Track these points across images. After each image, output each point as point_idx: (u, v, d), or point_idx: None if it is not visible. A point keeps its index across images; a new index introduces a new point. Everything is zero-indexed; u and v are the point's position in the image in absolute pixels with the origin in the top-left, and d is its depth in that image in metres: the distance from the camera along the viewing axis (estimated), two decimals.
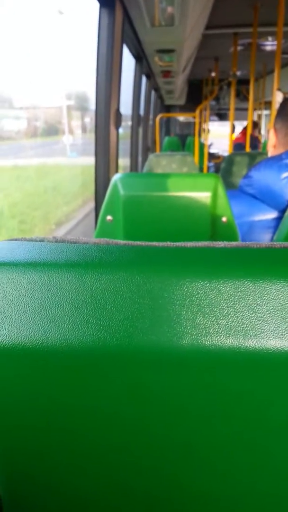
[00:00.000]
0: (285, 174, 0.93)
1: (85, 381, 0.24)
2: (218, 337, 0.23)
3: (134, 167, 3.19)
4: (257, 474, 0.25)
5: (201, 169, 4.33)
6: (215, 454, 0.25)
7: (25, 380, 0.25)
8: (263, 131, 5.97)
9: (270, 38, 3.35)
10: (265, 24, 2.78)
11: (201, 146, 4.73)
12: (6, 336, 0.24)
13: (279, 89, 2.07)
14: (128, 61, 2.69)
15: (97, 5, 1.51)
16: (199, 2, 1.74)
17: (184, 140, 6.21)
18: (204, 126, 5.54)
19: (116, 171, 1.66)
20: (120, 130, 1.69)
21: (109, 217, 0.91)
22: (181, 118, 8.12)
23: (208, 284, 0.24)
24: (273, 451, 0.24)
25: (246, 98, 5.49)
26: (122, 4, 1.57)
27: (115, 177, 0.90)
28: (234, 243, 0.28)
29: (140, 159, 3.45)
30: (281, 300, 0.23)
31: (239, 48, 3.34)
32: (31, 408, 0.25)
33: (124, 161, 3.28)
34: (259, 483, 0.25)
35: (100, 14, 1.53)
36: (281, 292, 0.23)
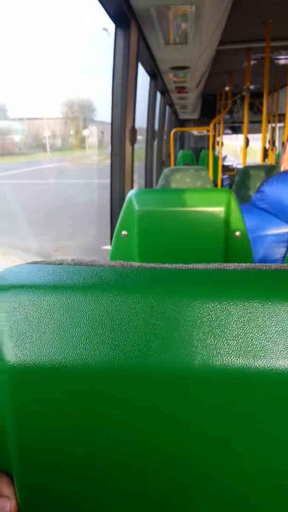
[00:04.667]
0: None
1: (101, 398, 0.25)
2: (228, 357, 0.24)
3: (148, 181, 3.22)
4: (262, 493, 0.25)
5: (215, 183, 4.34)
6: (225, 472, 0.25)
7: (44, 398, 0.26)
8: (277, 143, 5.96)
9: (283, 52, 3.38)
10: (278, 39, 2.81)
11: (215, 159, 4.74)
12: (27, 355, 0.26)
13: None
14: (143, 78, 2.73)
15: (113, 25, 1.56)
16: (213, 20, 1.77)
17: (198, 154, 6.23)
18: (218, 139, 5.56)
19: (131, 187, 1.68)
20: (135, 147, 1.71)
21: (124, 232, 0.92)
22: (195, 131, 8.16)
23: (218, 306, 0.25)
24: (282, 470, 0.25)
25: (259, 111, 5.51)
26: (137, 24, 1.61)
27: (130, 193, 0.91)
28: (244, 265, 0.29)
29: (154, 173, 3.48)
30: None
31: (252, 62, 3.36)
32: (50, 425, 0.26)
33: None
34: (264, 503, 0.26)
35: (116, 34, 1.57)
36: None
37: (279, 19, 2.44)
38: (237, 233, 0.90)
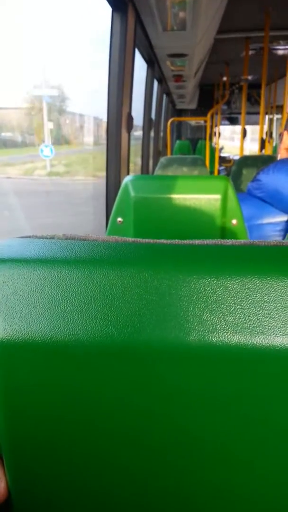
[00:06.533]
0: None
1: (93, 374, 0.25)
2: (225, 333, 0.23)
3: (145, 170, 3.20)
4: (259, 470, 0.25)
5: (211, 173, 4.33)
6: (220, 449, 0.25)
7: (34, 374, 0.25)
8: (274, 135, 5.96)
9: (282, 42, 3.35)
10: (277, 28, 2.78)
11: (212, 150, 4.73)
12: (17, 330, 0.25)
13: None
14: (140, 66, 2.70)
15: (109, 9, 1.53)
16: (211, 7, 1.75)
17: (195, 144, 6.21)
18: (215, 130, 5.55)
19: (127, 174, 1.67)
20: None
21: (119, 219, 0.92)
22: (193, 122, 8.13)
23: (215, 281, 0.24)
24: (277, 447, 0.24)
25: (257, 102, 5.49)
26: (134, 9, 1.58)
27: (126, 179, 0.90)
28: (242, 241, 0.28)
29: (151, 162, 3.47)
30: None
31: (250, 52, 3.34)
32: (40, 402, 0.26)
33: None
34: (260, 480, 0.25)
35: (113, 18, 1.54)
36: None
37: (278, 8, 2.41)
38: (234, 221, 0.90)
